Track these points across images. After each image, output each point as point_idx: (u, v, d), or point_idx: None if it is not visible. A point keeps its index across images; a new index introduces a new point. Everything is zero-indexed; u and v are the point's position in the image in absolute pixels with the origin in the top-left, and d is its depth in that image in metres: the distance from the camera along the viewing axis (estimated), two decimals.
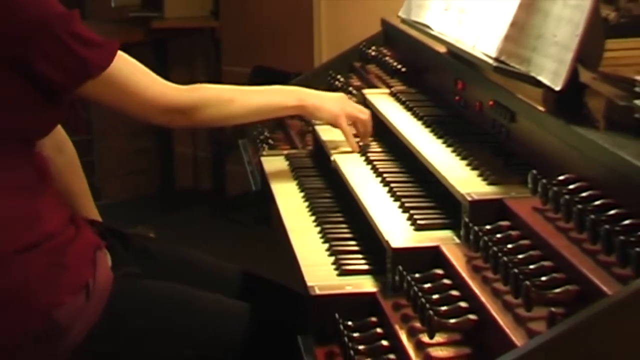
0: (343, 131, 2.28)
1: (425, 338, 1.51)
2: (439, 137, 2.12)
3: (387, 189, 2.03)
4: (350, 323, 1.64)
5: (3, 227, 1.81)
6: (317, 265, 1.86)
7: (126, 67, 1.92)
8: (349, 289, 1.74)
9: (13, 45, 1.78)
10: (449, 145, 2.05)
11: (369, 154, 2.25)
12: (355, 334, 1.60)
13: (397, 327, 1.58)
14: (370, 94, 2.55)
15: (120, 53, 1.90)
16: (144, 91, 1.94)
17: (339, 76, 2.89)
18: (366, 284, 1.76)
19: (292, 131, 2.71)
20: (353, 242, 1.95)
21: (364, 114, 2.33)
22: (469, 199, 1.71)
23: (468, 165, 1.91)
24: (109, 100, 1.92)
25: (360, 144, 2.31)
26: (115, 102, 1.93)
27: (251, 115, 2.19)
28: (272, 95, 2.22)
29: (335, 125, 2.29)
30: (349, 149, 2.31)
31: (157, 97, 1.96)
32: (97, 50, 1.85)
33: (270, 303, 2.05)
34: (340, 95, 2.39)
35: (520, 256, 1.49)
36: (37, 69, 1.80)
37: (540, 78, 1.82)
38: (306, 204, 2.21)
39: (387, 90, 2.57)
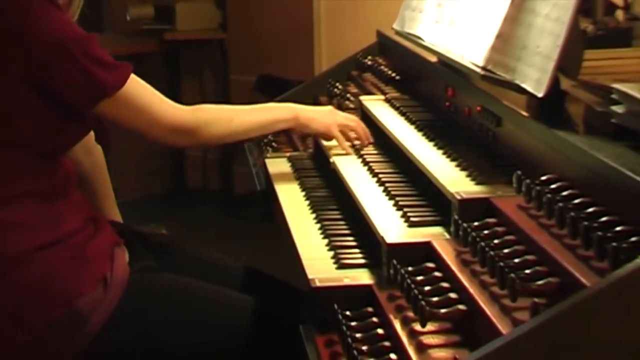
0: (337, 138, 2.29)
1: (417, 327, 1.51)
2: (431, 140, 2.12)
3: (382, 188, 2.03)
4: (348, 313, 1.64)
5: (28, 227, 1.83)
6: (318, 259, 1.86)
7: (138, 88, 1.92)
8: (347, 282, 1.74)
9: (35, 67, 1.79)
10: (439, 148, 2.05)
11: (365, 156, 2.24)
12: (353, 323, 1.60)
13: (391, 316, 1.58)
14: (367, 100, 2.55)
15: (132, 75, 1.89)
16: (154, 111, 1.93)
17: (337, 84, 2.89)
18: (363, 277, 1.76)
19: (294, 135, 2.71)
20: (351, 238, 1.95)
21: (352, 121, 2.34)
22: (458, 197, 1.71)
23: (457, 166, 1.91)
24: (122, 118, 1.91)
25: (361, 145, 2.32)
26: (127, 120, 1.92)
27: (250, 131, 2.19)
28: (268, 111, 2.22)
29: (328, 134, 2.30)
30: (350, 152, 2.31)
31: (165, 117, 1.95)
32: (112, 72, 1.86)
33: (271, 297, 2.04)
34: (329, 108, 2.40)
35: (505, 251, 1.49)
36: (56, 88, 1.81)
37: (524, 85, 1.82)
38: (307, 202, 2.21)
39: (382, 97, 2.57)
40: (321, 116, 2.29)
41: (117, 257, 1.91)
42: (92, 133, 2.11)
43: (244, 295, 2.01)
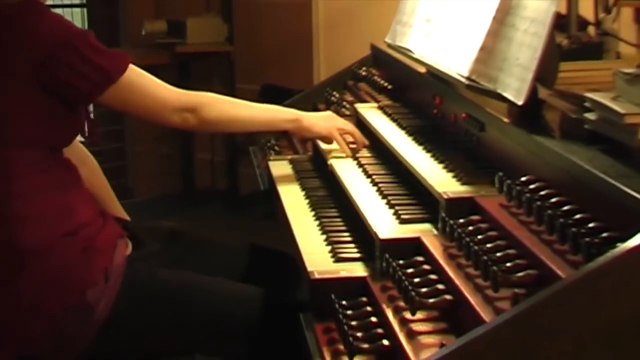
0: (337, 141, 2.28)
1: (408, 315, 1.51)
2: (420, 144, 2.11)
3: (375, 188, 2.03)
4: (344, 302, 1.63)
5: (44, 218, 1.83)
6: (316, 253, 1.86)
7: (138, 73, 1.92)
8: (343, 274, 1.74)
9: (41, 65, 1.79)
10: (428, 151, 2.05)
11: (360, 159, 2.24)
12: (349, 312, 1.60)
13: (384, 306, 1.59)
14: (361, 107, 2.55)
15: (132, 65, 1.89)
16: (157, 93, 1.93)
17: (334, 92, 2.89)
18: (358, 269, 1.76)
19: (295, 138, 2.70)
20: (346, 234, 1.95)
21: (349, 126, 2.33)
22: (445, 197, 1.71)
23: (444, 168, 1.91)
24: (128, 103, 1.91)
25: (357, 148, 2.31)
26: (134, 105, 1.91)
27: (253, 121, 2.15)
28: (273, 110, 2.21)
29: (329, 137, 2.29)
30: (343, 155, 2.30)
31: (169, 97, 1.95)
32: (113, 59, 1.86)
33: (273, 282, 2.02)
34: (328, 113, 2.40)
35: (488, 245, 1.49)
36: (65, 81, 1.80)
37: (505, 94, 1.82)
38: (307, 201, 2.20)
39: (376, 105, 2.56)
40: (322, 121, 2.28)
41: (118, 248, 1.90)
42: (81, 145, 2.11)
43: (247, 285, 1.99)
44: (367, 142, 2.35)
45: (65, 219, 1.84)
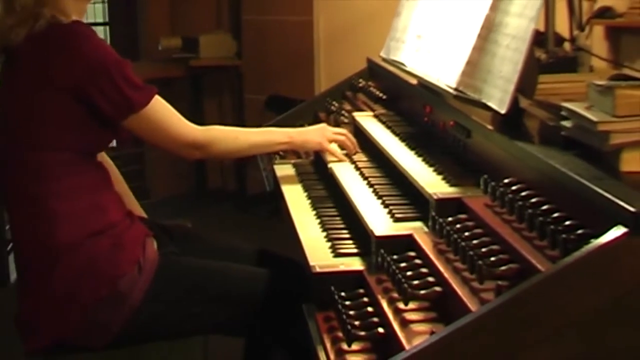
0: (329, 151, 2.28)
1: (401, 305, 1.51)
2: (412, 149, 2.11)
3: (371, 189, 2.03)
4: (343, 294, 1.64)
5: (78, 217, 1.83)
6: (317, 248, 1.86)
7: (161, 107, 1.90)
8: (342, 268, 1.74)
9: (79, 83, 1.79)
10: (419, 155, 2.05)
11: (357, 163, 2.24)
12: (347, 302, 1.60)
13: (379, 297, 1.59)
14: (359, 116, 2.55)
15: (157, 97, 1.88)
16: (172, 128, 1.92)
17: (334, 102, 2.89)
18: (355, 264, 1.76)
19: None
20: (345, 231, 1.95)
21: (341, 134, 2.32)
22: (435, 197, 1.71)
23: (434, 171, 1.91)
24: (145, 132, 1.90)
25: (350, 153, 2.31)
26: (150, 134, 1.91)
27: (251, 150, 2.17)
28: (268, 134, 2.20)
29: (321, 150, 2.29)
30: (344, 159, 2.30)
31: (181, 134, 1.94)
32: (140, 92, 1.85)
33: (279, 273, 2.02)
34: (321, 125, 2.36)
35: (474, 242, 1.49)
36: (93, 101, 1.81)
37: (489, 104, 1.82)
38: (308, 201, 2.20)
39: (372, 113, 2.56)
40: (313, 136, 2.26)
41: (147, 245, 1.92)
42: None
43: (256, 268, 2.00)
44: (358, 150, 2.33)
45: (96, 218, 1.85)
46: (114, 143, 2.02)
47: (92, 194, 1.86)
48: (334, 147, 2.30)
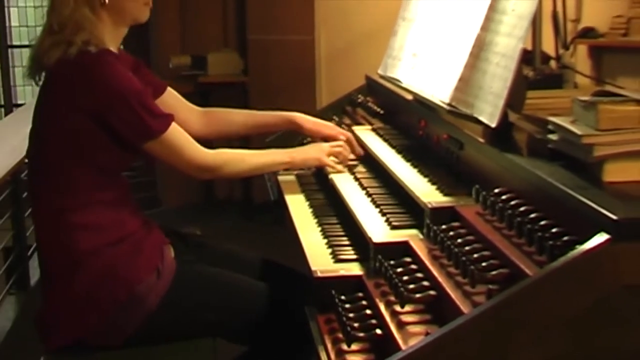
0: (328, 166, 2.27)
1: (398, 308, 1.51)
2: (408, 161, 2.11)
3: (369, 198, 2.03)
4: (343, 297, 1.63)
5: (99, 228, 1.85)
6: (319, 254, 1.86)
7: (176, 134, 1.91)
8: (342, 272, 1.74)
9: (100, 109, 1.80)
10: (415, 167, 2.05)
11: (356, 173, 2.23)
12: (347, 305, 1.60)
13: (377, 300, 1.58)
14: (358, 129, 2.54)
15: (173, 123, 1.90)
16: (186, 153, 1.93)
17: (334, 116, 2.87)
18: (355, 269, 1.76)
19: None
20: (345, 238, 1.94)
21: (339, 146, 2.30)
22: (430, 206, 1.71)
23: (429, 181, 1.91)
24: (161, 156, 1.92)
25: (357, 155, 2.32)
26: (165, 157, 1.92)
27: (256, 171, 2.18)
28: (271, 155, 2.20)
29: (321, 165, 2.28)
30: (343, 170, 2.30)
31: (194, 158, 1.95)
32: (158, 120, 1.87)
33: (282, 283, 2.03)
34: (318, 143, 2.34)
35: (467, 248, 1.49)
36: (113, 127, 1.82)
37: (481, 118, 1.82)
38: (310, 209, 2.20)
39: (370, 127, 2.56)
40: (313, 153, 2.25)
41: (166, 252, 1.93)
42: None
43: (261, 282, 2.01)
44: (361, 151, 2.33)
45: (116, 229, 1.86)
46: None
47: (112, 208, 1.88)
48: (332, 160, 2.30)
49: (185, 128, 2.16)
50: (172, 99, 2.20)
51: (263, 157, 2.17)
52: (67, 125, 1.82)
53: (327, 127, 2.39)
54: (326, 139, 2.35)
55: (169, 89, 2.18)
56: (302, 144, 2.50)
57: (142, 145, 1.88)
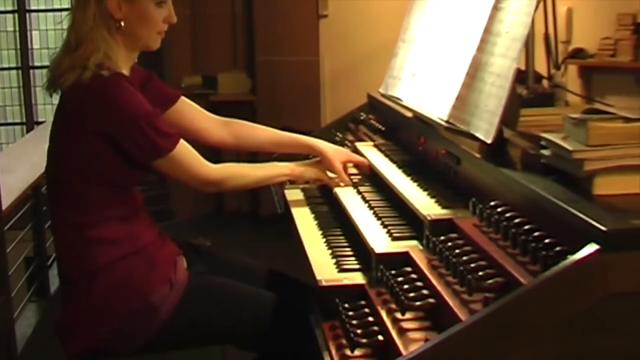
0: (324, 180, 2.27)
1: (398, 315, 1.51)
2: (408, 175, 2.11)
3: (371, 211, 2.03)
4: (346, 305, 1.64)
5: (114, 242, 1.84)
6: (323, 264, 1.86)
7: (184, 151, 1.90)
8: (346, 282, 1.74)
9: (110, 129, 1.80)
10: (414, 181, 2.05)
11: (359, 187, 2.23)
12: (350, 313, 1.60)
13: (379, 307, 1.58)
14: (360, 145, 2.54)
15: (181, 141, 1.88)
16: (192, 169, 1.92)
17: (338, 133, 2.87)
18: (358, 278, 1.76)
19: (321, 166, 2.66)
20: (348, 249, 1.95)
21: (336, 169, 2.28)
22: (429, 218, 1.71)
23: (428, 194, 1.91)
24: (169, 172, 1.91)
25: (364, 168, 2.33)
26: (173, 174, 1.91)
27: (259, 183, 2.16)
28: (272, 168, 2.19)
29: (317, 178, 2.28)
30: (348, 184, 2.29)
31: (200, 173, 1.94)
32: (166, 139, 1.85)
33: (288, 291, 2.02)
34: (316, 159, 2.31)
35: (464, 258, 1.49)
36: (123, 146, 1.81)
37: (477, 134, 1.82)
38: (315, 222, 2.20)
39: (372, 143, 2.56)
40: (311, 167, 2.26)
41: (179, 264, 1.92)
42: None
43: (268, 291, 2.00)
44: (366, 162, 2.34)
45: (131, 242, 1.86)
46: None
47: (127, 223, 1.87)
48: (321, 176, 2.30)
49: (203, 136, 2.18)
50: (186, 107, 2.18)
51: (265, 170, 2.16)
52: (81, 146, 1.82)
53: (344, 154, 2.35)
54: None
55: (183, 98, 2.17)
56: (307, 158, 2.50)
57: (151, 164, 1.87)
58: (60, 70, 1.84)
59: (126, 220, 1.87)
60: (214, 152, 2.28)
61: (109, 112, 1.79)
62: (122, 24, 1.84)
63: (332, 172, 2.31)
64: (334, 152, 2.31)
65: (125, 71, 1.90)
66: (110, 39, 1.84)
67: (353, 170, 2.37)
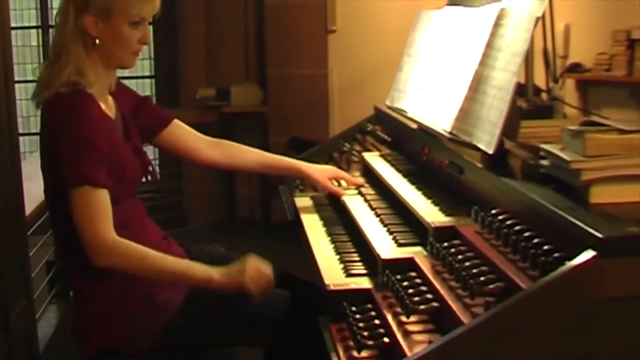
0: (249, 291, 1.81)
1: (403, 318, 1.52)
2: (413, 184, 2.11)
3: (378, 218, 2.03)
4: (354, 308, 1.63)
5: None
6: (331, 269, 1.86)
7: (98, 198, 1.73)
8: (353, 286, 1.74)
9: (54, 145, 1.76)
10: (419, 189, 2.05)
11: (365, 195, 2.23)
12: (357, 316, 1.60)
13: (385, 311, 1.58)
14: (367, 155, 2.55)
15: (102, 191, 1.74)
16: (96, 220, 1.72)
17: (346, 144, 2.86)
18: (364, 282, 1.76)
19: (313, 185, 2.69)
20: (355, 254, 1.95)
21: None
22: (433, 225, 1.71)
23: (432, 202, 1.91)
24: (75, 209, 1.73)
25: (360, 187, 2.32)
26: (77, 213, 1.73)
27: (159, 276, 1.79)
28: (186, 267, 1.82)
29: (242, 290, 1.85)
30: (354, 192, 2.29)
31: (99, 231, 1.71)
32: (78, 173, 1.72)
33: (297, 294, 2.00)
34: (245, 265, 1.92)
35: (467, 263, 1.49)
36: (58, 164, 1.75)
37: (479, 145, 1.82)
38: (324, 228, 2.20)
39: (379, 153, 2.56)
40: (236, 278, 1.79)
41: None
42: None
43: (280, 289, 1.97)
44: (351, 179, 2.36)
45: None
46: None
47: (127, 231, 1.80)
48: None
49: (196, 156, 2.17)
50: (179, 129, 2.15)
51: (173, 265, 1.78)
52: (53, 163, 1.77)
53: (330, 172, 2.36)
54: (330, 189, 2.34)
55: (176, 120, 2.11)
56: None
57: (68, 190, 1.72)
58: (40, 85, 1.82)
59: (126, 228, 1.80)
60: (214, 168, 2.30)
61: (56, 127, 1.76)
62: (98, 41, 1.80)
63: (320, 191, 2.34)
64: (319, 171, 2.33)
65: (99, 88, 1.84)
66: (86, 55, 1.80)
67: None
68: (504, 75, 1.81)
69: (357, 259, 1.91)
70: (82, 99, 1.77)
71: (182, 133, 2.16)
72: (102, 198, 1.73)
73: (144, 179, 1.98)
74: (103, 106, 1.85)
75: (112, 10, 1.80)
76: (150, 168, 1.98)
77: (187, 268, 1.80)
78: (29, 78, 6.47)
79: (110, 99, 1.92)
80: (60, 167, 1.74)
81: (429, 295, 1.52)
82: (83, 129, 1.74)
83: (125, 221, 1.84)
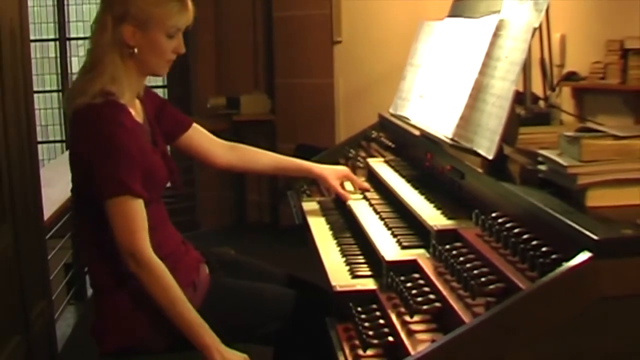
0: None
1: (407, 318, 1.52)
2: (416, 189, 2.11)
3: (382, 222, 2.03)
4: (359, 309, 1.63)
5: None
6: (338, 271, 1.86)
7: (137, 208, 1.72)
8: (358, 287, 1.74)
9: (87, 154, 1.74)
10: (422, 194, 2.05)
11: (370, 200, 2.23)
12: (363, 316, 1.60)
13: (389, 311, 1.58)
14: (372, 161, 2.55)
15: (140, 201, 1.73)
16: (135, 230, 1.71)
17: (351, 150, 2.86)
18: (369, 284, 1.76)
19: (322, 186, 2.71)
20: (361, 256, 1.94)
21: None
22: (435, 228, 1.71)
23: (434, 206, 1.91)
24: (113, 219, 1.72)
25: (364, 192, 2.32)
26: (115, 223, 1.72)
27: (168, 312, 1.73)
28: (196, 325, 1.73)
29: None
30: (359, 197, 2.29)
31: (138, 242, 1.70)
32: (113, 185, 1.71)
33: (305, 295, 2.00)
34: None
35: (468, 265, 1.49)
36: (92, 174, 1.73)
37: (479, 151, 1.83)
38: (330, 232, 2.20)
39: (383, 159, 2.56)
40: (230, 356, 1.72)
41: (201, 269, 1.92)
42: None
43: (288, 289, 1.98)
44: (361, 183, 2.36)
45: (156, 251, 1.85)
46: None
47: (155, 230, 1.81)
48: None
49: (213, 159, 2.18)
50: (197, 133, 2.15)
51: (188, 317, 1.72)
52: (85, 169, 1.76)
53: (341, 172, 2.36)
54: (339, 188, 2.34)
55: (195, 125, 2.11)
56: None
57: (103, 200, 1.70)
58: (74, 92, 1.80)
59: (154, 230, 1.81)
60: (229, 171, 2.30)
61: (88, 137, 1.74)
62: (135, 50, 1.81)
63: (331, 190, 2.32)
64: (329, 171, 2.33)
65: (130, 95, 1.84)
66: (121, 63, 1.80)
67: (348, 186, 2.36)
68: (503, 84, 1.81)
69: (363, 261, 1.91)
70: (116, 110, 1.77)
71: (200, 137, 2.17)
72: (140, 208, 1.73)
73: (168, 184, 1.98)
74: (133, 112, 1.84)
75: (150, 21, 1.80)
76: (176, 174, 1.98)
77: (199, 323, 1.72)
78: (47, 88, 6.53)
79: (138, 103, 1.92)
80: (95, 176, 1.72)
81: (432, 296, 1.52)
82: (118, 140, 1.72)
83: (152, 223, 1.84)
